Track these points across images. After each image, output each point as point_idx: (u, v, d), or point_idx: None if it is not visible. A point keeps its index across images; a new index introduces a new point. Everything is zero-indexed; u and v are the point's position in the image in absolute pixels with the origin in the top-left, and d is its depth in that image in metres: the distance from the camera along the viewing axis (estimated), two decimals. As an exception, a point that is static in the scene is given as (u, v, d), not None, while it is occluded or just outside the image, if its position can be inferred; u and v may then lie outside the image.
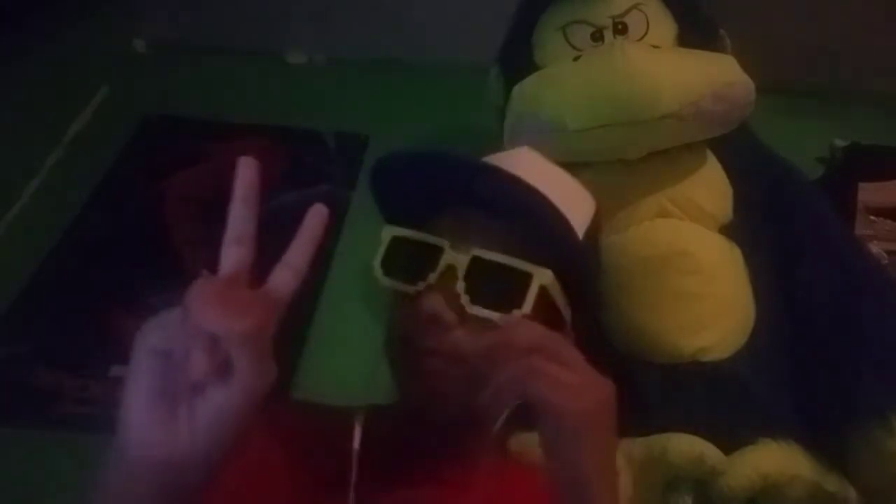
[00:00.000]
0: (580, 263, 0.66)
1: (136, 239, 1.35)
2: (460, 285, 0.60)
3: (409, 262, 0.62)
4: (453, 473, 0.64)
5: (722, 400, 0.88)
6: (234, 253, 0.43)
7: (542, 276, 0.61)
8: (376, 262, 0.65)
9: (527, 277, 0.60)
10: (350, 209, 1.39)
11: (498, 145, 1.07)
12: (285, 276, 0.43)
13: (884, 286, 0.98)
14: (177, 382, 0.40)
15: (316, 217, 0.45)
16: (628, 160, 0.99)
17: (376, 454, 0.63)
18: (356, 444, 0.61)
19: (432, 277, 0.60)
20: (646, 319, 0.93)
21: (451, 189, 0.64)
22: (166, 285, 1.25)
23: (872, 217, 1.28)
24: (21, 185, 1.42)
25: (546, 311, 0.63)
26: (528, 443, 0.82)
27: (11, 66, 1.49)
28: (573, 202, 0.70)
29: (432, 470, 0.63)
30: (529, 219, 0.62)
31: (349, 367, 1.10)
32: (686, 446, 0.83)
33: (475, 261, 0.60)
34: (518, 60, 1.08)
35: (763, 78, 0.96)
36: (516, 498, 0.65)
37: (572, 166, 1.02)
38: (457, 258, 0.61)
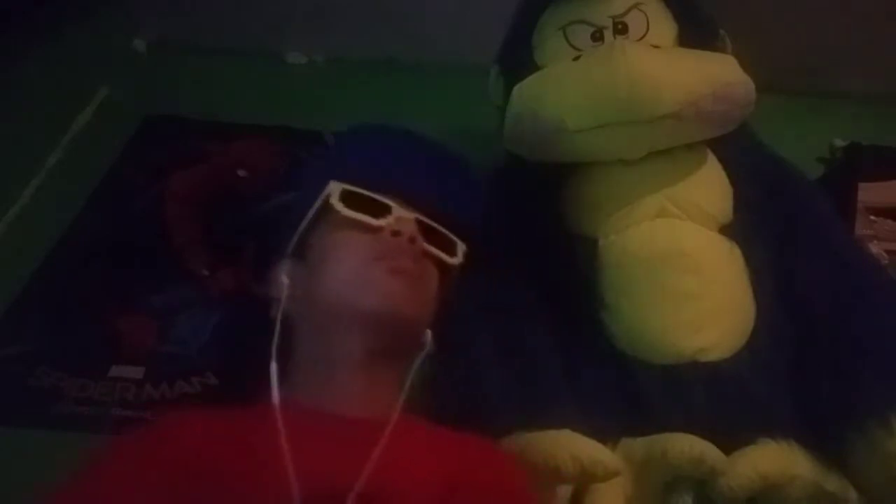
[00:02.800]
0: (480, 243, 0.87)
1: (136, 239, 1.35)
2: (415, 228, 0.77)
3: (365, 207, 0.77)
4: (371, 418, 0.70)
5: (722, 400, 0.88)
6: None
7: (462, 247, 0.83)
8: (335, 200, 0.78)
9: (454, 243, 0.83)
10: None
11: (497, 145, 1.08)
12: None
13: (884, 286, 0.98)
14: None
15: None
16: (628, 160, 1.00)
17: (299, 406, 0.70)
18: (275, 398, 0.69)
19: (391, 219, 0.77)
20: (646, 319, 0.93)
21: (400, 187, 0.81)
22: (166, 285, 1.25)
23: (872, 217, 1.28)
24: (21, 185, 1.42)
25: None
26: (527, 442, 0.83)
27: (11, 66, 1.49)
28: None
29: (350, 418, 0.70)
30: (457, 215, 0.84)
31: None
32: (686, 446, 0.83)
33: (418, 221, 0.79)
34: (518, 60, 1.08)
35: (763, 78, 0.96)
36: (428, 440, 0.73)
37: (572, 166, 1.03)
38: (405, 214, 0.78)
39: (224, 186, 1.44)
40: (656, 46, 0.99)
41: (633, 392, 0.91)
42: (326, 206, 0.79)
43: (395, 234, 0.76)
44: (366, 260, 0.75)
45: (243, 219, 1.39)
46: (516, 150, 1.07)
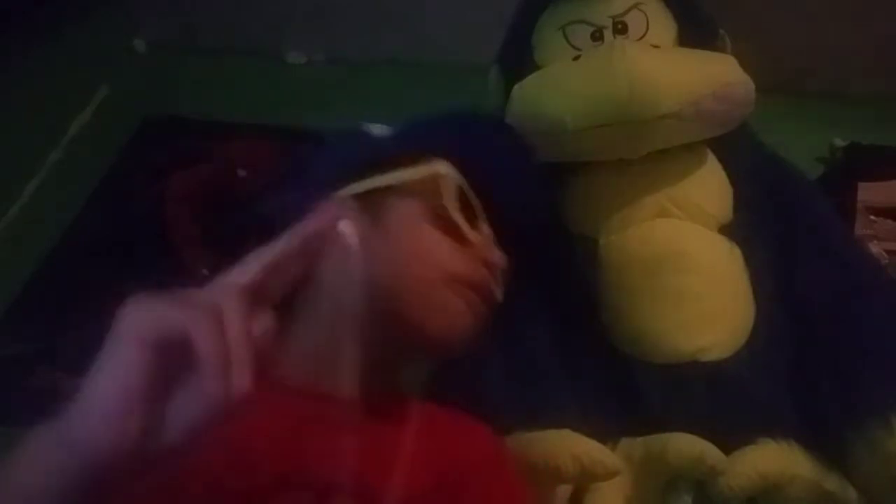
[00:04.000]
0: None
1: (136, 239, 1.35)
2: (501, 254, 0.69)
3: (467, 207, 0.68)
4: (390, 412, 0.65)
5: (722, 400, 0.88)
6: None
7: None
8: (448, 192, 0.67)
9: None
10: (349, 209, 1.39)
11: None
12: None
13: (884, 286, 0.98)
14: (170, 376, 0.38)
15: None
16: (628, 160, 0.99)
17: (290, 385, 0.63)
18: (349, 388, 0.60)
19: (478, 234, 0.69)
20: (646, 319, 0.93)
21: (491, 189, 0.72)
22: (166, 285, 1.25)
23: (872, 217, 1.28)
24: (21, 184, 1.42)
25: None
26: (527, 442, 0.83)
27: (11, 65, 1.49)
28: None
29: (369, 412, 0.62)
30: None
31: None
32: (686, 446, 0.83)
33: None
34: (518, 60, 1.08)
35: (763, 78, 0.96)
36: (449, 437, 0.69)
37: (572, 166, 1.03)
38: (487, 230, 0.70)
39: (224, 186, 1.44)
40: (656, 46, 0.98)
41: (633, 392, 0.91)
42: (423, 181, 0.67)
43: (485, 262, 0.67)
44: (445, 275, 0.65)
45: (243, 219, 1.39)
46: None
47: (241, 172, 1.46)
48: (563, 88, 0.95)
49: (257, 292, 0.41)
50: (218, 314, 0.38)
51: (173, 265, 1.29)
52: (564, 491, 0.87)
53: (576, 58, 0.99)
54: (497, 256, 0.68)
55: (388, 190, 0.68)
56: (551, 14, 1.07)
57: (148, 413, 0.38)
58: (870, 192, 1.31)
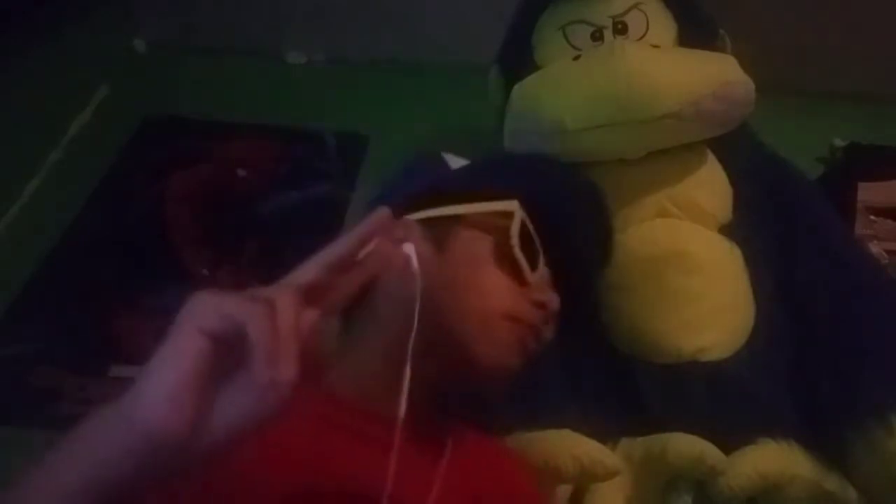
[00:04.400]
0: None
1: (136, 239, 1.35)
2: (556, 299, 0.69)
3: (525, 247, 0.68)
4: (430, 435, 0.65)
5: (722, 400, 0.88)
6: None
7: None
8: (514, 231, 0.68)
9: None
10: (350, 209, 1.39)
11: (498, 145, 1.08)
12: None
13: (884, 286, 0.98)
14: (222, 371, 0.39)
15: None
16: (628, 160, 0.99)
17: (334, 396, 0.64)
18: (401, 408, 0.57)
19: (537, 276, 0.68)
20: (646, 319, 0.93)
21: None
22: (166, 285, 1.25)
23: (872, 217, 1.28)
24: (21, 184, 1.42)
25: None
26: (527, 442, 0.83)
27: (11, 65, 1.49)
28: None
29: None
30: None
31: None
32: (686, 446, 0.83)
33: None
34: (518, 60, 1.08)
35: (763, 78, 0.96)
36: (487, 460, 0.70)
37: (572, 166, 1.03)
38: (546, 273, 0.70)
39: (224, 186, 1.44)
40: (656, 46, 0.99)
41: (634, 392, 0.91)
42: (493, 216, 0.69)
43: (540, 303, 0.68)
44: (500, 312, 0.66)
45: (243, 219, 1.39)
46: (516, 149, 1.07)
47: (241, 172, 1.47)
48: (562, 88, 0.95)
49: (312, 293, 0.42)
50: (272, 307, 0.38)
51: (173, 265, 1.30)
52: (564, 491, 0.87)
53: (576, 58, 0.99)
54: (552, 299, 0.68)
55: (455, 219, 0.69)
56: (551, 14, 1.07)
57: (198, 404, 0.38)
58: (870, 192, 1.31)
